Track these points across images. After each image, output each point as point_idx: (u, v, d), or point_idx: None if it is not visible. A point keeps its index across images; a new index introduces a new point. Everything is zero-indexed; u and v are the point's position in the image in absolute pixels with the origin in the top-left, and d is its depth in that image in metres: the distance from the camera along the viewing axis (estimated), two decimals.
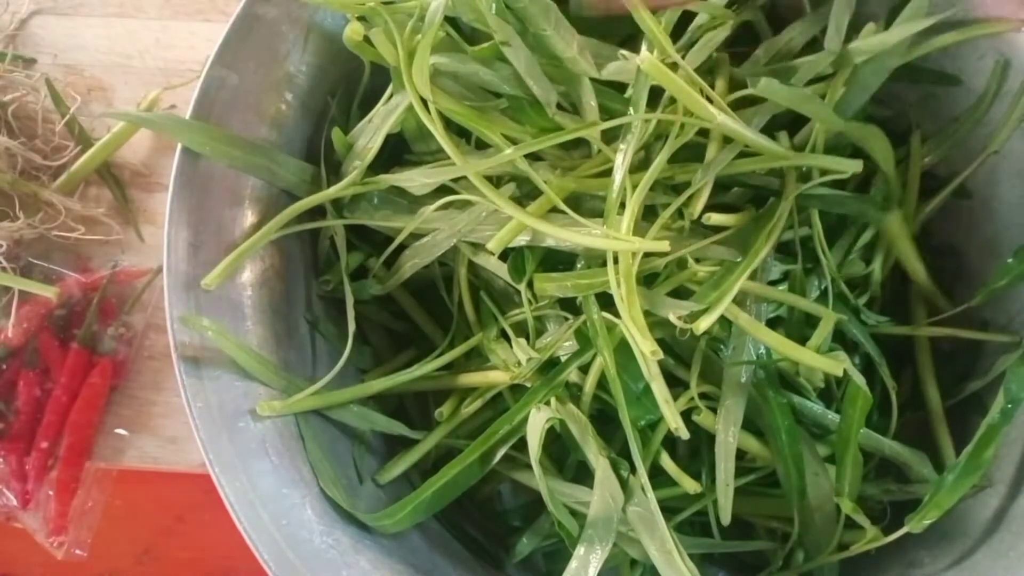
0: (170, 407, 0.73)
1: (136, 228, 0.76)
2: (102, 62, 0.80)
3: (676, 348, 0.55)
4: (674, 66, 0.51)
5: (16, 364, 0.72)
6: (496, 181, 0.55)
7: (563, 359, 0.55)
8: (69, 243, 0.73)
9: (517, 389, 0.57)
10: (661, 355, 0.48)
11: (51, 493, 0.70)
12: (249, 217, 0.55)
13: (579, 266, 0.55)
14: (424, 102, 0.51)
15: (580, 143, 0.55)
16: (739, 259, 0.53)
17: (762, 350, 0.54)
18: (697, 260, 0.55)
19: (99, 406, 0.72)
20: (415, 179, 0.54)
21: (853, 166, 0.56)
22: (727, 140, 0.54)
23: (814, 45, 0.56)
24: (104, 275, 0.74)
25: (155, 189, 0.77)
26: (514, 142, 0.52)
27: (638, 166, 0.53)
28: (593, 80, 0.53)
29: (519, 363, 0.56)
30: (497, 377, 0.57)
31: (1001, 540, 0.50)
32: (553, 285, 0.53)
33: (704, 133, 0.55)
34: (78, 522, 0.72)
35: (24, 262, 0.73)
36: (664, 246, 0.50)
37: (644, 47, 0.51)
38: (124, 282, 0.75)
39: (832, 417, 0.56)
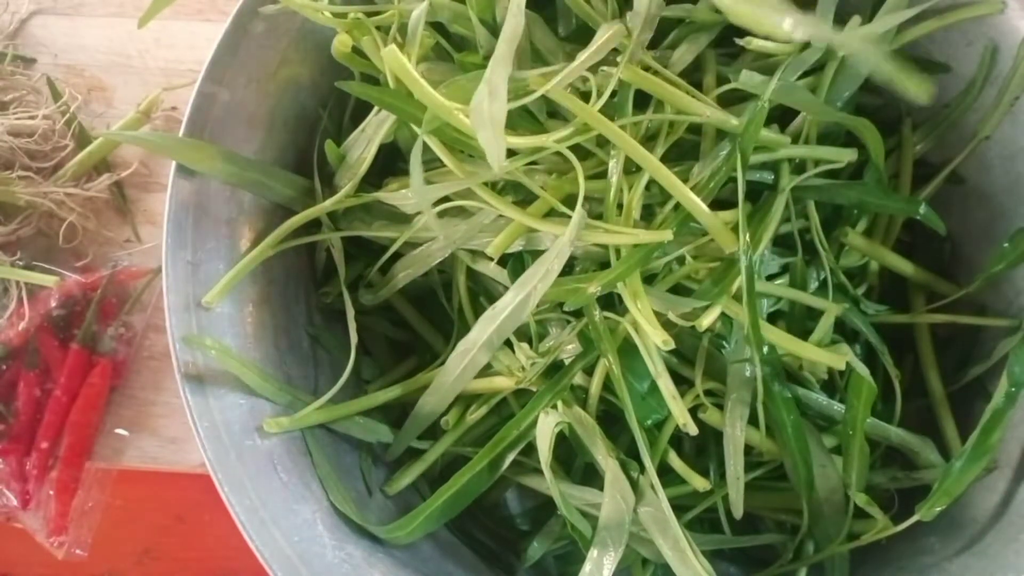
0: (170, 407, 0.73)
1: (134, 228, 0.76)
2: (102, 62, 0.80)
3: (680, 346, 0.55)
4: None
5: (16, 364, 0.72)
6: (491, 187, 0.55)
7: (567, 362, 0.55)
8: (69, 244, 0.73)
9: (521, 394, 0.57)
10: (673, 344, 0.49)
11: (51, 493, 0.70)
12: (246, 233, 0.54)
13: (577, 270, 0.56)
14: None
15: (574, 146, 0.55)
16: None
17: (765, 346, 0.54)
18: (695, 257, 0.55)
19: (99, 406, 0.72)
20: (408, 197, 0.54)
21: (847, 155, 0.56)
22: (721, 136, 0.55)
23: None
24: (104, 275, 0.73)
25: (154, 188, 0.77)
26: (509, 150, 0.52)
27: (634, 168, 0.53)
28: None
29: (523, 368, 0.56)
30: (501, 383, 0.57)
31: (1010, 524, 0.50)
32: (553, 289, 0.53)
33: (697, 132, 0.56)
34: (78, 522, 0.71)
35: (25, 262, 0.72)
36: (667, 235, 0.51)
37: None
38: (124, 282, 0.74)
39: (837, 408, 0.56)
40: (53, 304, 0.72)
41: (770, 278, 0.58)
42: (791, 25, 0.42)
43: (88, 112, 0.78)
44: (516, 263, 0.55)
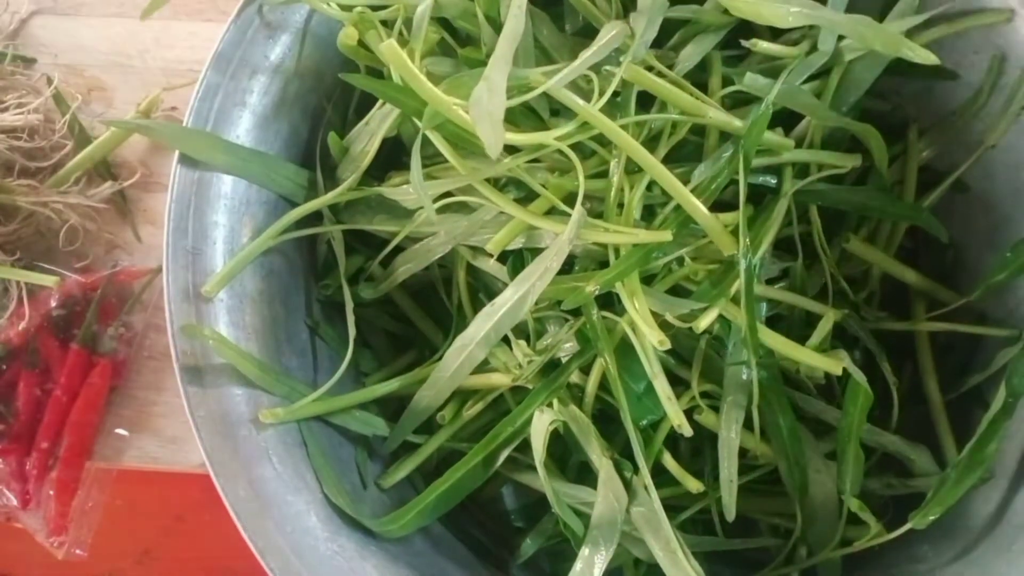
0: (170, 407, 0.73)
1: (134, 228, 0.76)
2: (102, 62, 0.79)
3: (677, 348, 0.55)
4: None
5: (16, 364, 0.72)
6: (493, 184, 0.55)
7: (564, 360, 0.55)
8: (71, 247, 0.73)
9: (518, 391, 0.57)
10: (669, 345, 0.49)
11: (51, 493, 0.70)
12: (248, 224, 0.54)
13: (576, 268, 0.56)
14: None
15: (576, 144, 0.55)
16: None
17: (762, 349, 0.54)
18: (694, 259, 0.55)
19: (99, 406, 0.72)
20: (410, 192, 0.54)
21: (851, 160, 0.56)
22: (724, 138, 0.54)
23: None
24: (104, 275, 0.73)
25: (154, 188, 0.77)
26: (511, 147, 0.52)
27: (635, 167, 0.53)
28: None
29: (520, 365, 0.56)
30: (498, 379, 0.57)
31: (1004, 534, 0.50)
32: (552, 287, 0.53)
33: (700, 133, 0.56)
34: (78, 522, 0.72)
35: (25, 263, 0.72)
36: (667, 236, 0.51)
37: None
38: (124, 282, 0.74)
39: (833, 413, 0.56)
40: (53, 304, 0.72)
41: (770, 282, 0.58)
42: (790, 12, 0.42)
43: (88, 112, 0.78)
44: (516, 260, 0.55)
